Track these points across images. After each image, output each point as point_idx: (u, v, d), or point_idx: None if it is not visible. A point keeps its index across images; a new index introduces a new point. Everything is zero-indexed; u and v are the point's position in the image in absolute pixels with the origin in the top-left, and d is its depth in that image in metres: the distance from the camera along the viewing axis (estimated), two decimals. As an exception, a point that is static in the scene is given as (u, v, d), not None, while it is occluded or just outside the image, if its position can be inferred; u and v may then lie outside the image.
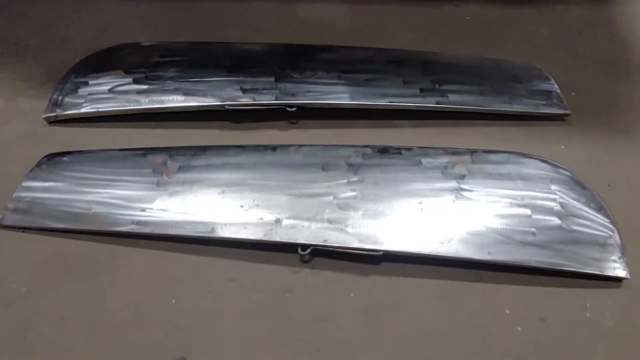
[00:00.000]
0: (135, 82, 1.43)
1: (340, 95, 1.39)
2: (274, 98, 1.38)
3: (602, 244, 1.09)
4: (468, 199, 1.15)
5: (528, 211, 1.13)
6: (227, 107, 1.36)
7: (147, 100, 1.39)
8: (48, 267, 1.12)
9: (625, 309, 1.06)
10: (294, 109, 1.36)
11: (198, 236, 1.11)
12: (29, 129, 1.43)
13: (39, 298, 1.07)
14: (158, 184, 1.20)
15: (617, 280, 1.08)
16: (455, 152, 1.25)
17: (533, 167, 1.22)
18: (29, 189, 1.22)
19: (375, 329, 1.03)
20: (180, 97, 1.38)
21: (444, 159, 1.23)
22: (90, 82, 1.44)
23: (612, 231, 1.12)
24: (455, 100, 1.40)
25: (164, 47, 1.57)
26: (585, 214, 1.14)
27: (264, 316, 1.05)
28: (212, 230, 1.11)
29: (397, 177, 1.19)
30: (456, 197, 1.15)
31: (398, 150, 1.26)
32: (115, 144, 1.36)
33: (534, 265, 1.05)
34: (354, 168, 1.21)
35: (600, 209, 1.16)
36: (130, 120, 1.42)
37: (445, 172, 1.20)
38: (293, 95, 1.38)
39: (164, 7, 1.91)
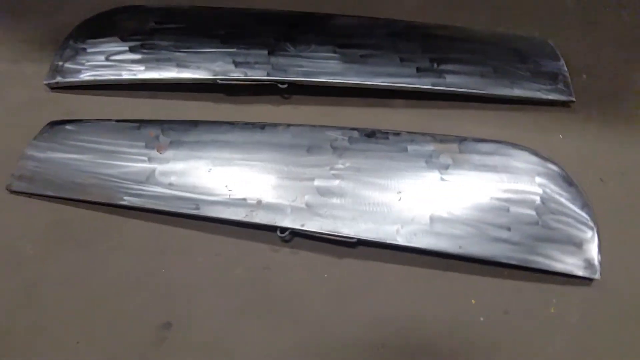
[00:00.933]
0: (131, 50, 1.44)
1: (333, 73, 1.36)
2: (265, 74, 1.36)
3: (577, 243, 1.10)
4: (448, 190, 1.15)
5: (507, 205, 1.13)
6: (219, 81, 1.37)
7: (142, 69, 1.40)
8: (51, 233, 1.22)
9: (591, 308, 1.08)
10: (285, 85, 1.36)
11: (185, 213, 1.18)
12: (32, 95, 1.48)
13: (43, 261, 1.18)
14: (150, 159, 1.26)
15: (588, 279, 1.09)
16: (443, 140, 1.24)
17: (521, 160, 1.20)
18: (32, 157, 1.30)
19: (345, 308, 1.10)
20: (174, 69, 1.39)
21: (430, 147, 1.22)
22: (88, 50, 1.46)
23: (592, 230, 1.11)
24: (452, 82, 1.35)
25: (160, 12, 1.55)
26: (566, 210, 1.14)
27: (244, 289, 1.13)
28: (197, 207, 1.17)
29: (380, 164, 1.20)
30: (436, 189, 1.16)
31: (385, 135, 1.25)
32: (114, 113, 1.40)
33: (503, 260, 1.08)
34: (338, 152, 1.22)
35: (584, 206, 1.15)
36: (127, 89, 1.45)
37: (429, 162, 1.20)
38: (285, 71, 1.36)
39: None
